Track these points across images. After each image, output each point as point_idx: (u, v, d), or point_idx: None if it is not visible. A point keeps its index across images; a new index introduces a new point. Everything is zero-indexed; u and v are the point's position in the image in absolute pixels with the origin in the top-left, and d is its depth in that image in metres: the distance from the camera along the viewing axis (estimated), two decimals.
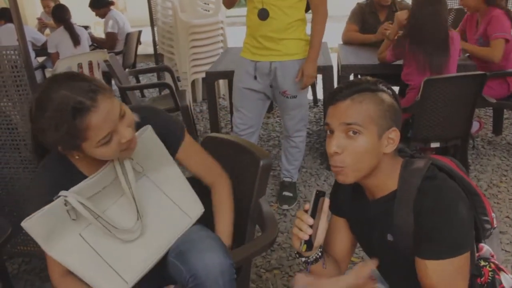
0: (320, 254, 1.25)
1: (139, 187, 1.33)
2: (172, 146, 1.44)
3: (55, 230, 1.22)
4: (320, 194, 1.18)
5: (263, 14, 2.50)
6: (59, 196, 1.21)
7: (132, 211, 1.31)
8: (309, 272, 1.26)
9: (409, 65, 2.89)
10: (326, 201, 1.19)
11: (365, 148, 1.13)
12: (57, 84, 1.13)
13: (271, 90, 2.74)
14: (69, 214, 1.23)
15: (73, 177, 1.27)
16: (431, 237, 1.08)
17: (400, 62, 2.99)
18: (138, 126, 1.32)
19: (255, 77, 2.68)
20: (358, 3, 3.83)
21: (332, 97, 1.17)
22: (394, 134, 1.16)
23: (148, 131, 1.35)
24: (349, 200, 1.31)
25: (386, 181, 1.18)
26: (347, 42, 3.83)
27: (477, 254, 1.20)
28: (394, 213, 1.14)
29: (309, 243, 1.18)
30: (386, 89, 1.17)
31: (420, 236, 1.10)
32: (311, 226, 1.17)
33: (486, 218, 1.20)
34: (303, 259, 1.24)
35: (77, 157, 1.24)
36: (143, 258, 1.31)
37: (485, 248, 1.21)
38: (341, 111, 1.14)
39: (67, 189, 1.22)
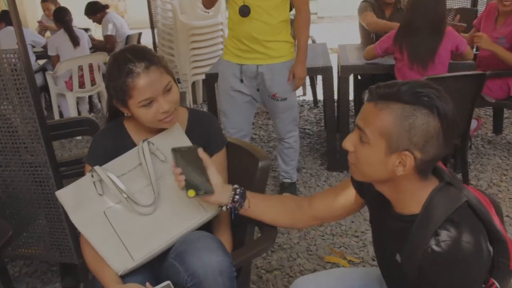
0: (236, 202, 1.36)
1: (161, 176, 1.44)
2: (208, 152, 1.54)
3: (82, 202, 1.38)
4: (176, 149, 1.35)
5: (244, 11, 2.46)
6: (92, 170, 1.40)
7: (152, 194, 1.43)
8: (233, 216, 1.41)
9: (399, 59, 2.93)
10: (199, 150, 1.36)
11: (367, 159, 1.09)
12: (129, 49, 1.41)
13: (258, 93, 2.73)
14: (96, 188, 1.39)
15: (124, 142, 1.51)
16: None
17: None
18: (194, 124, 1.57)
19: (242, 80, 2.67)
20: (363, 1, 3.79)
21: (367, 94, 1.10)
22: (406, 159, 1.04)
23: (175, 127, 1.50)
24: (374, 195, 1.24)
25: (408, 202, 1.11)
26: (374, 27, 3.54)
27: (484, 286, 1.15)
28: (408, 238, 1.09)
29: (197, 188, 1.30)
30: (432, 106, 1.01)
31: (423, 282, 1.06)
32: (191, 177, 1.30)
33: (505, 261, 1.13)
34: (223, 208, 1.38)
35: (126, 114, 1.48)
36: (154, 240, 1.38)
37: (496, 285, 1.13)
38: (363, 112, 1.10)
39: (115, 150, 1.47)
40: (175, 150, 1.35)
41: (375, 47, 3.07)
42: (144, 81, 1.35)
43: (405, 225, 1.11)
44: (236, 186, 1.40)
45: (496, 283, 1.13)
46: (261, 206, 1.42)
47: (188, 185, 1.30)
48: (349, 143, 1.12)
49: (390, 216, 1.18)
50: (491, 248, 1.09)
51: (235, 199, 1.37)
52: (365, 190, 1.30)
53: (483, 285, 1.13)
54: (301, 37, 2.63)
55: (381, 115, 1.04)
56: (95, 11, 5.37)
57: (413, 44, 2.84)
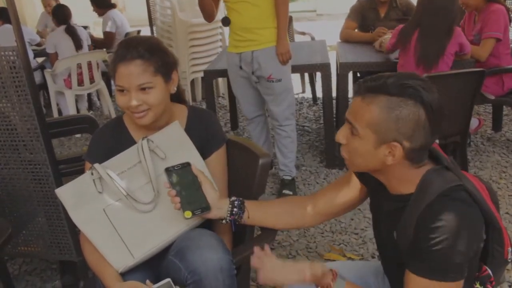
0: (235, 215, 1.37)
1: (161, 174, 1.43)
2: (207, 149, 1.58)
3: (82, 199, 1.38)
4: (169, 169, 1.34)
5: (224, 22, 2.84)
6: (92, 168, 1.40)
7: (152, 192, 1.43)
8: (233, 228, 1.43)
9: (404, 55, 2.93)
10: (193, 166, 1.35)
11: (358, 151, 1.12)
12: (138, 37, 1.46)
13: (255, 78, 2.87)
14: (96, 186, 1.39)
15: (123, 139, 1.52)
16: (423, 255, 1.05)
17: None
18: (193, 122, 1.58)
19: (241, 67, 2.89)
20: (357, 1, 3.83)
21: (355, 89, 1.12)
22: (395, 149, 1.07)
23: (174, 125, 1.51)
24: (373, 180, 1.25)
25: (402, 185, 1.14)
26: (345, 39, 3.84)
27: (476, 274, 1.16)
28: (403, 214, 1.11)
29: (193, 207, 1.31)
30: (417, 97, 1.03)
31: (414, 248, 1.08)
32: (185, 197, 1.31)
33: (500, 249, 1.14)
34: (223, 221, 1.39)
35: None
36: (154, 238, 1.38)
37: (488, 272, 1.16)
38: (352, 106, 1.12)
39: (115, 147, 1.48)
40: (168, 170, 1.35)
41: (387, 43, 3.09)
42: (122, 69, 1.39)
43: (400, 204, 1.14)
44: (233, 198, 1.40)
45: (489, 270, 1.15)
46: (261, 214, 1.43)
47: (184, 206, 1.30)
48: (341, 136, 1.15)
49: (386, 198, 1.21)
50: (484, 236, 1.10)
51: (234, 212, 1.38)
52: (366, 176, 1.31)
53: (476, 273, 1.15)
54: (279, 16, 2.74)
55: (368, 108, 1.07)
56: (101, 5, 5.31)
57: (423, 44, 2.82)
